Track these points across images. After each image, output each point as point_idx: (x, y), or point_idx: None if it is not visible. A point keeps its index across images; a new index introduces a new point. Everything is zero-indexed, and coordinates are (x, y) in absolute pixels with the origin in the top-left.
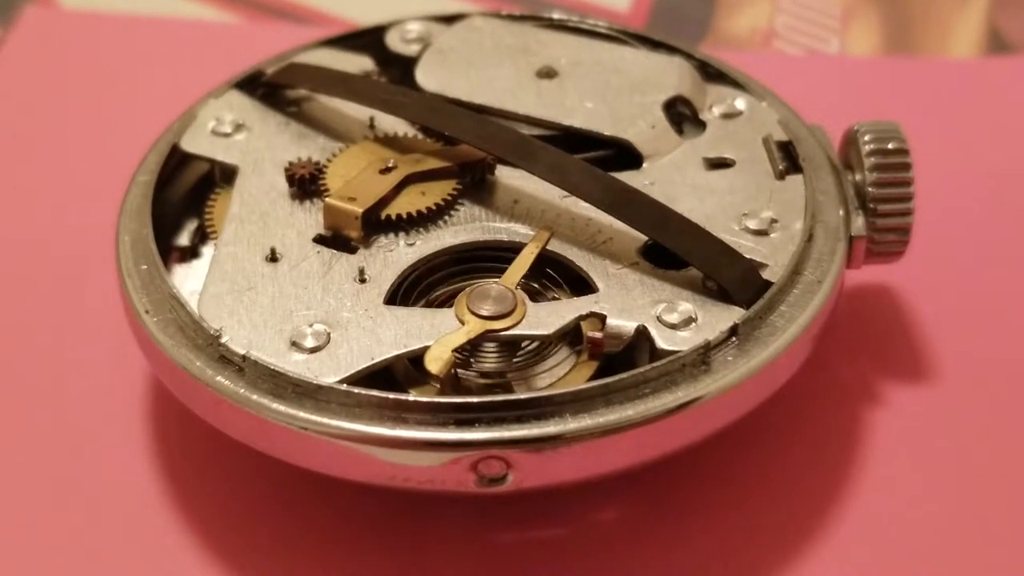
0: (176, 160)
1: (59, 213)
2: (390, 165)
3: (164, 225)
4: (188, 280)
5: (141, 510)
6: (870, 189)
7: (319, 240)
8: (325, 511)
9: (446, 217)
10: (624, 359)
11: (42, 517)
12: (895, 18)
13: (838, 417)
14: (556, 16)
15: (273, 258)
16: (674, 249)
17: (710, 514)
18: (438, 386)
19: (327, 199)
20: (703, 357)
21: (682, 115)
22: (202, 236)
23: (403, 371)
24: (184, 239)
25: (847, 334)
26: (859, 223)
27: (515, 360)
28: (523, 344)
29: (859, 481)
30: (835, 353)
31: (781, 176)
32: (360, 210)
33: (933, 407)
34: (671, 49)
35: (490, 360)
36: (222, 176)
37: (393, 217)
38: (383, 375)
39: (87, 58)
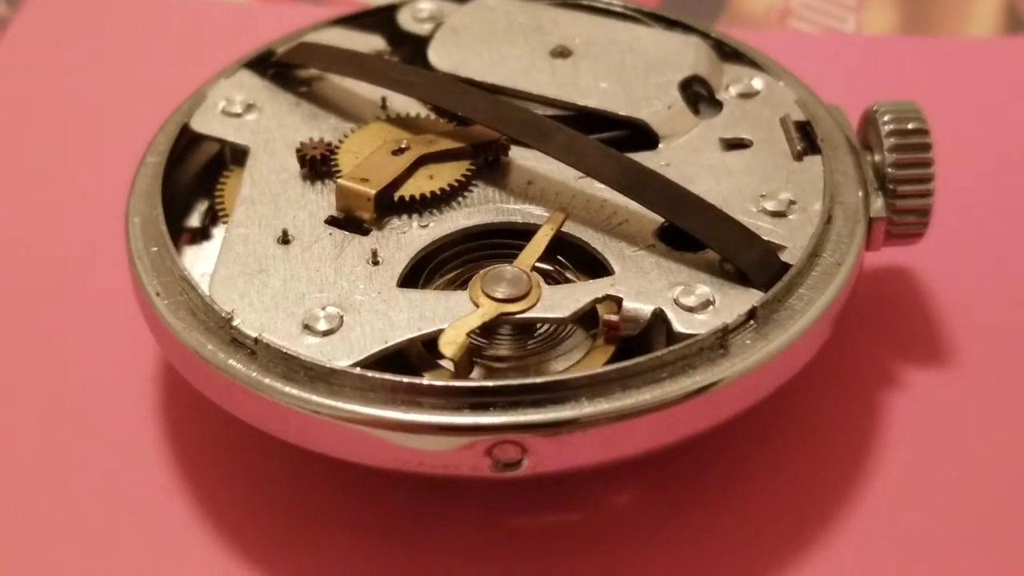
0: (186, 141)
1: (68, 195)
2: (403, 146)
3: (174, 206)
4: (199, 262)
5: (152, 493)
6: (890, 170)
7: (331, 222)
8: (338, 495)
9: (459, 198)
10: (641, 343)
11: (53, 501)
12: None
13: (857, 400)
14: None
15: (285, 240)
16: (691, 231)
17: (727, 499)
18: (452, 369)
19: (339, 180)
20: (721, 340)
21: (698, 95)
22: (213, 217)
23: (417, 354)
24: (195, 220)
25: (866, 317)
26: (878, 204)
27: (530, 344)
28: (538, 327)
29: (878, 464)
30: (854, 336)
31: (799, 157)
32: (373, 191)
33: (953, 390)
34: (686, 28)
35: (505, 343)
36: (233, 157)
37: (406, 198)
38: (397, 358)
39: (96, 38)
